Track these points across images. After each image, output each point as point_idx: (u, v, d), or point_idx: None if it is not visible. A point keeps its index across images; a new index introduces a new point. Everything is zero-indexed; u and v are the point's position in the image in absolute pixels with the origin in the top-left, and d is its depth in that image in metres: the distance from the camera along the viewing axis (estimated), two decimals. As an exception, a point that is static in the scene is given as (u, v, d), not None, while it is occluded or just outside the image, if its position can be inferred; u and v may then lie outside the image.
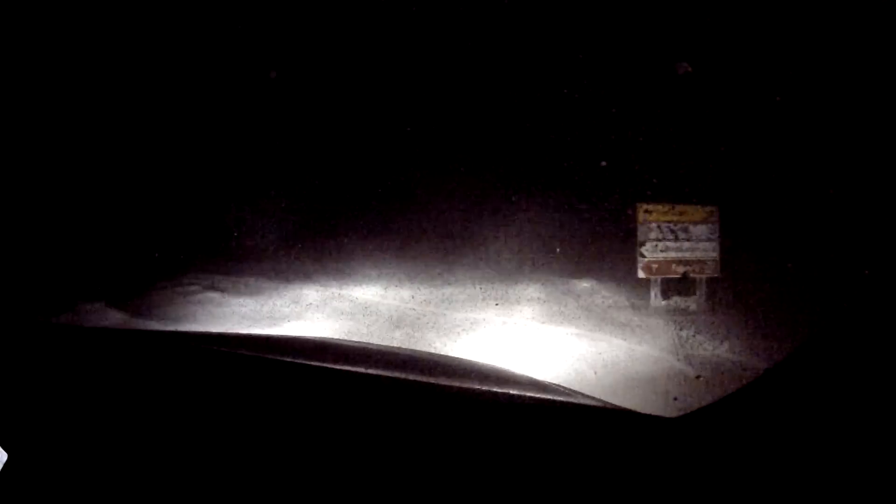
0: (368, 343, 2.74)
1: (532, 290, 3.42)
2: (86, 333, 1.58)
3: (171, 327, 3.03)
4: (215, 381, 1.19)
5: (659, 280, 4.65)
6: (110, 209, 3.20)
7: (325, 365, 1.31)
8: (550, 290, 3.50)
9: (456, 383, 1.30)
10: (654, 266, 4.40)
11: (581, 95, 3.12)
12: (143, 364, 1.25)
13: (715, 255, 4.44)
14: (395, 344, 2.95)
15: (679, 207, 4.23)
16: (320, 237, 3.30)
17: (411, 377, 1.29)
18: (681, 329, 2.99)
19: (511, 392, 1.26)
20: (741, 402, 1.03)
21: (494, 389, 1.27)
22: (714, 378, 2.89)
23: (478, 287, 3.22)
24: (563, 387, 1.52)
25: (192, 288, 3.33)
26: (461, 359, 1.92)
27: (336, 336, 2.95)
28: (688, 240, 4.36)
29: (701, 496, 0.89)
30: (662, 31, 3.01)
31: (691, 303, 4.62)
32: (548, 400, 1.28)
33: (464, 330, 3.10)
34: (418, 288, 3.09)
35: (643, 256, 4.39)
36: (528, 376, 1.62)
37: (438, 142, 3.18)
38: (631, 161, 3.24)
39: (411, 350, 2.59)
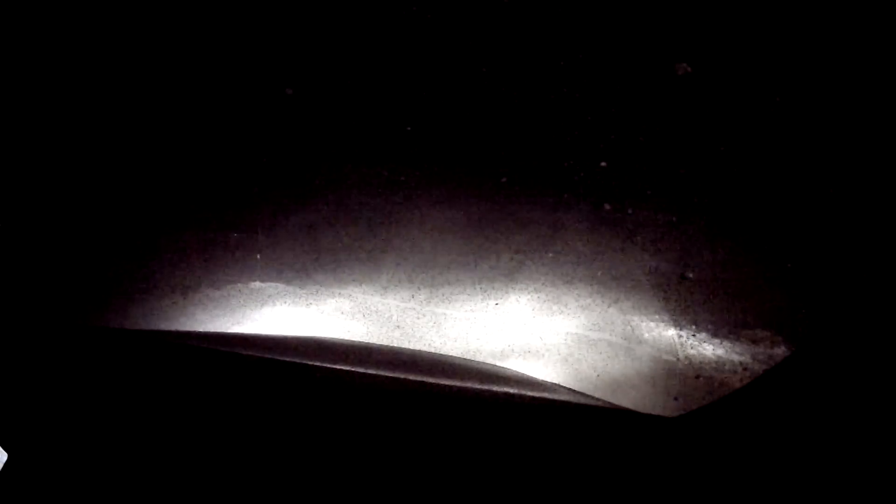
0: (368, 343, 2.75)
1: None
2: (85, 333, 1.59)
3: (171, 327, 3.03)
4: (215, 381, 1.19)
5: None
6: (109, 208, 3.20)
7: (325, 365, 1.31)
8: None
9: (456, 383, 1.30)
10: None
11: (581, 95, 3.12)
12: (143, 364, 1.25)
13: None
14: (395, 344, 2.95)
15: None
16: (320, 236, 3.30)
17: (411, 377, 1.29)
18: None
19: (511, 392, 1.27)
20: (741, 402, 1.03)
21: (494, 389, 1.27)
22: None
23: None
24: (563, 387, 1.52)
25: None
26: (461, 359, 1.92)
27: (336, 336, 2.95)
28: None
29: (701, 496, 0.89)
30: (662, 31, 3.00)
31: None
32: (548, 400, 1.28)
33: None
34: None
35: None
36: (528, 376, 1.63)
37: (439, 141, 3.17)
38: (631, 161, 3.24)
39: (411, 350, 2.59)
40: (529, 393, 1.30)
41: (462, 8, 3.06)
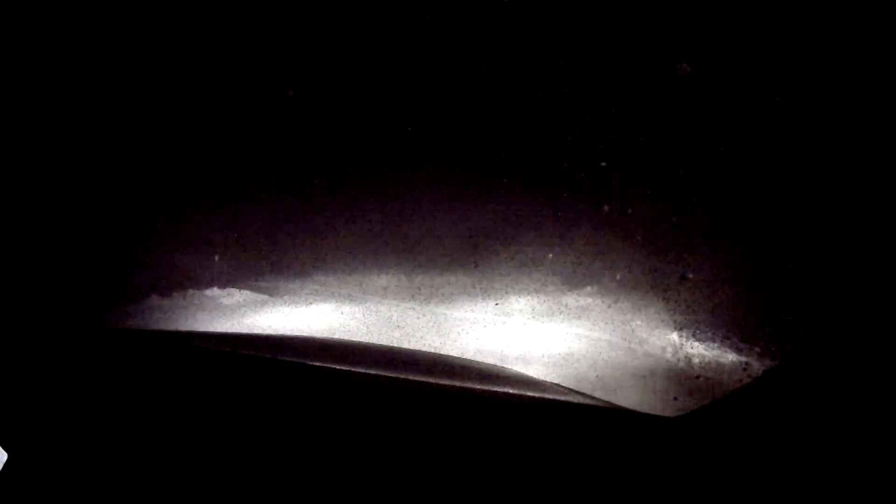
0: (368, 343, 2.74)
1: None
2: (86, 333, 1.59)
3: (171, 327, 3.03)
4: (215, 381, 1.19)
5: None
6: (109, 208, 3.20)
7: (325, 365, 1.31)
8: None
9: (456, 383, 1.30)
10: None
11: (581, 95, 3.12)
12: (143, 364, 1.25)
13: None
14: (395, 344, 2.94)
15: None
16: (320, 236, 3.30)
17: (411, 377, 1.29)
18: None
19: (511, 392, 1.27)
20: (741, 402, 1.04)
21: (494, 389, 1.27)
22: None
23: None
24: (563, 387, 1.52)
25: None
26: (461, 359, 1.92)
27: (336, 336, 2.94)
28: None
29: (701, 496, 0.90)
30: (662, 31, 3.00)
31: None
32: (548, 400, 1.28)
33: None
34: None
35: None
36: (527, 376, 1.63)
37: (439, 141, 3.17)
38: (631, 161, 3.23)
39: (411, 350, 2.58)
40: (529, 393, 1.30)
41: (462, 8, 3.05)
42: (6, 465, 0.95)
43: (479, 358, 2.96)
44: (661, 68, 3.02)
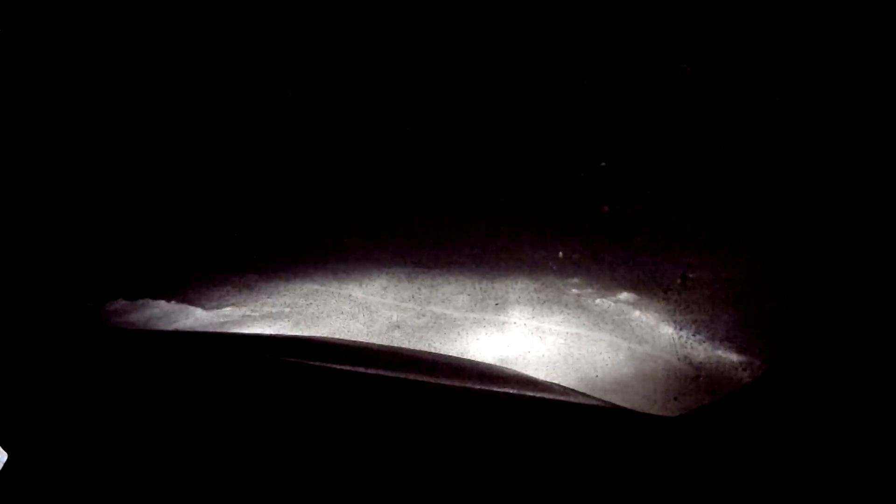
0: (368, 343, 2.74)
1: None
2: (86, 333, 1.58)
3: (171, 327, 3.03)
4: (216, 381, 1.19)
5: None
6: (110, 210, 3.20)
7: (325, 365, 1.31)
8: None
9: (456, 383, 1.30)
10: None
11: (581, 95, 3.12)
12: (143, 364, 1.25)
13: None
14: (395, 344, 2.95)
15: None
16: (320, 236, 3.30)
17: (411, 377, 1.29)
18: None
19: (510, 392, 1.27)
20: (741, 402, 1.03)
21: (494, 389, 1.27)
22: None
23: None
24: (562, 387, 1.52)
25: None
26: (461, 359, 1.92)
27: (336, 336, 2.94)
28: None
29: (701, 496, 0.90)
30: (662, 31, 3.00)
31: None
32: (547, 400, 1.28)
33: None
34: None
35: None
36: (527, 376, 1.63)
37: (438, 141, 3.17)
38: (631, 161, 3.24)
39: (411, 350, 2.58)
40: (529, 393, 1.30)
41: (462, 9, 3.06)
42: (6, 465, 0.95)
43: (479, 358, 2.96)
44: (662, 68, 3.02)
